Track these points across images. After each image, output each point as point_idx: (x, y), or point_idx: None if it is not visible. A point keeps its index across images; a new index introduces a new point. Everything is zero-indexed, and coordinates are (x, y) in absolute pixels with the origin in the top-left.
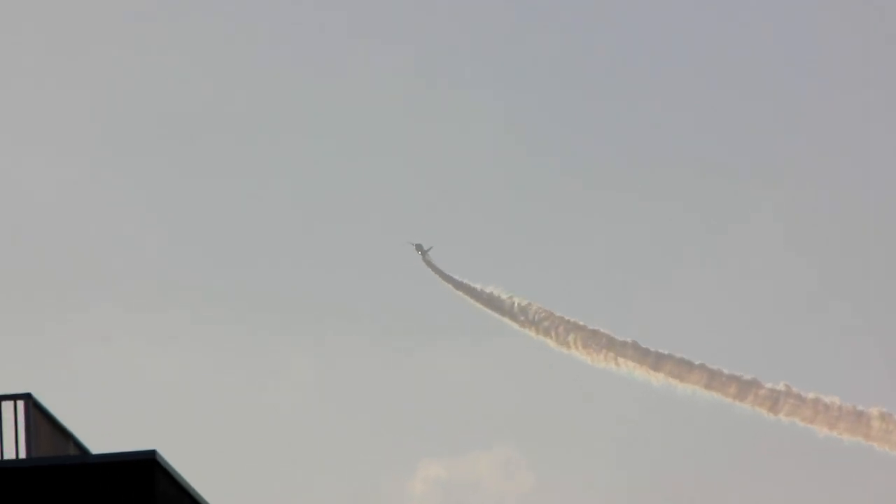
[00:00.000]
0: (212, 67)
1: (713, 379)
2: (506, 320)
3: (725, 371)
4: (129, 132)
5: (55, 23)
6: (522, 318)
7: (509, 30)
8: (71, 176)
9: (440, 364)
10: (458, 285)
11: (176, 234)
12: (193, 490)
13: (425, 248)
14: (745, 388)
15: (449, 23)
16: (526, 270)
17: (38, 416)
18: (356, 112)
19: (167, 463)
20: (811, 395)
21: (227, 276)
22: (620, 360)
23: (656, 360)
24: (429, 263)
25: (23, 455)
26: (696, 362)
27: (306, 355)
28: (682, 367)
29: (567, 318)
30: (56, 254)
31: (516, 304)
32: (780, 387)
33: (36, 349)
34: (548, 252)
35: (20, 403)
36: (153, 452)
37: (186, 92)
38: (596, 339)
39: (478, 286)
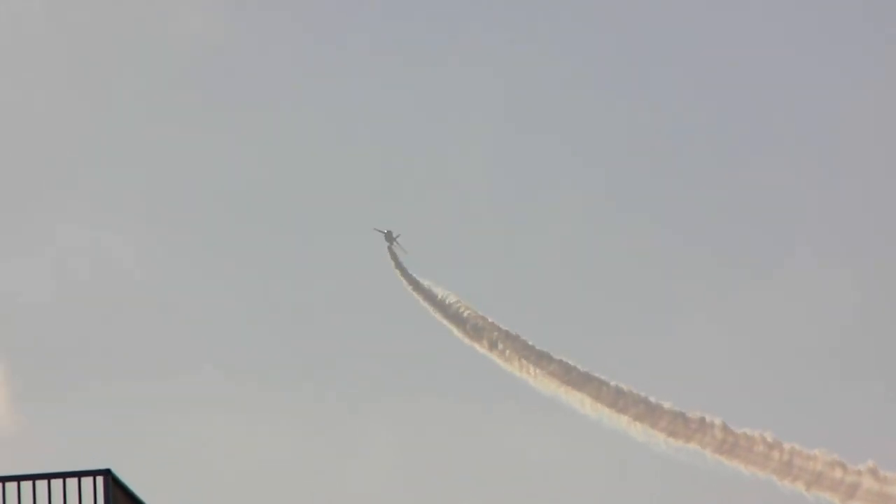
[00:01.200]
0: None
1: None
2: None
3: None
4: (206, 211)
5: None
6: (471, 330)
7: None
8: (150, 248)
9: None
10: (417, 287)
11: (252, 309)
12: None
13: (394, 235)
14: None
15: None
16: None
17: (117, 492)
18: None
19: None
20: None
21: (303, 350)
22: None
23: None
24: (392, 253)
25: None
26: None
27: (385, 428)
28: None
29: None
30: (134, 328)
31: (466, 313)
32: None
33: (114, 424)
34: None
35: (99, 479)
36: None
37: (263, 174)
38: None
39: (438, 292)
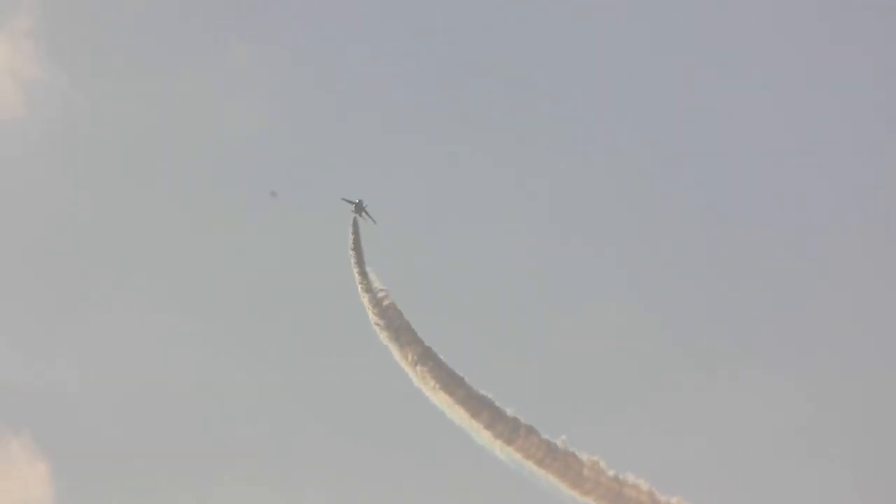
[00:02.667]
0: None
1: None
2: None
3: None
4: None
5: None
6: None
7: None
8: (192, 351)
9: None
10: (367, 288)
11: (291, 409)
12: None
13: (364, 205)
14: None
15: None
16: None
17: None
18: None
19: None
20: None
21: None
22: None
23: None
24: (355, 223)
25: None
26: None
27: None
28: None
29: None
30: (179, 431)
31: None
32: None
33: None
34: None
35: None
36: None
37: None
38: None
39: (382, 293)
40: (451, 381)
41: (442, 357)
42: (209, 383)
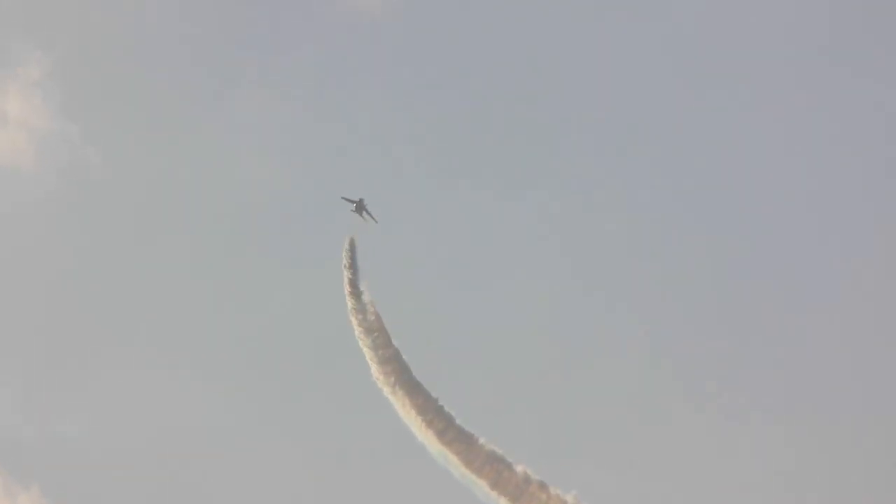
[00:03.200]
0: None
1: None
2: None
3: None
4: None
5: None
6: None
7: None
8: (199, 405)
9: None
10: (354, 293)
11: (294, 463)
12: None
13: (365, 204)
14: None
15: None
16: None
17: None
18: None
19: None
20: None
21: None
22: None
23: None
24: (354, 212)
25: None
26: None
27: None
28: None
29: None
30: (185, 485)
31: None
32: None
33: None
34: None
35: None
36: None
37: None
38: None
39: (369, 303)
40: (456, 437)
41: (446, 408)
42: (214, 437)
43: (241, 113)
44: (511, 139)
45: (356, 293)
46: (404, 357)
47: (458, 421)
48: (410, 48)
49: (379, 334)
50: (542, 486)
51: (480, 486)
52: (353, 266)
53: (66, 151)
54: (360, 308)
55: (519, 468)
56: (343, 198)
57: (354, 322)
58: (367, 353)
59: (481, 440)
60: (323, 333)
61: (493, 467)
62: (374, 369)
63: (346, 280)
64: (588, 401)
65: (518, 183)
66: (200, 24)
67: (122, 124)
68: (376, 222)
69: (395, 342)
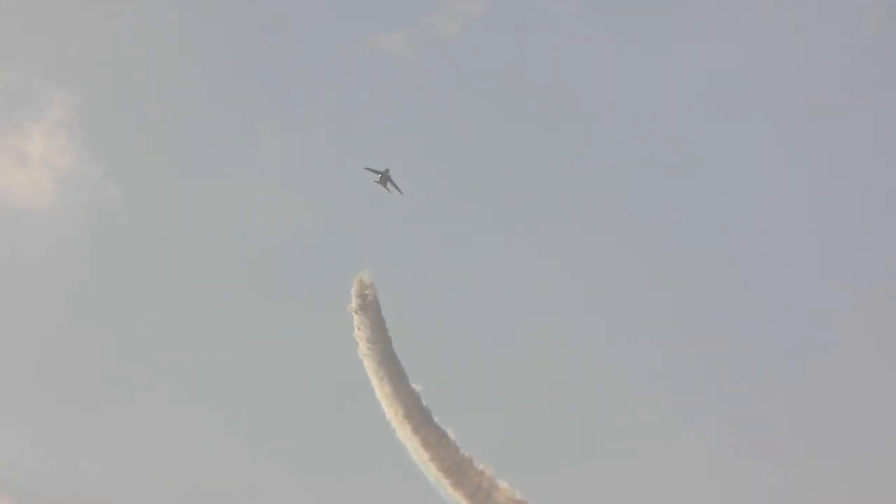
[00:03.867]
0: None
1: None
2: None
3: None
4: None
5: None
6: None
7: None
8: (218, 446)
9: None
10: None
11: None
12: None
13: (390, 174)
14: None
15: None
16: None
17: None
18: None
19: None
20: None
21: None
22: None
23: None
24: (378, 184)
25: None
26: None
27: None
28: None
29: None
30: None
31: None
32: None
33: None
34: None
35: None
36: None
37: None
38: None
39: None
40: (474, 482)
41: (463, 450)
42: (233, 478)
43: (265, 152)
44: (532, 180)
45: (368, 336)
46: (423, 401)
47: (476, 463)
48: (433, 87)
49: (393, 373)
50: None
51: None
52: (367, 308)
53: (89, 191)
54: (377, 350)
55: None
56: (367, 168)
57: (367, 365)
58: (384, 399)
59: (502, 485)
60: (345, 375)
61: None
62: (389, 413)
63: (360, 323)
64: (608, 445)
65: (539, 224)
66: (223, 64)
67: (145, 164)
68: (402, 194)
69: (413, 384)
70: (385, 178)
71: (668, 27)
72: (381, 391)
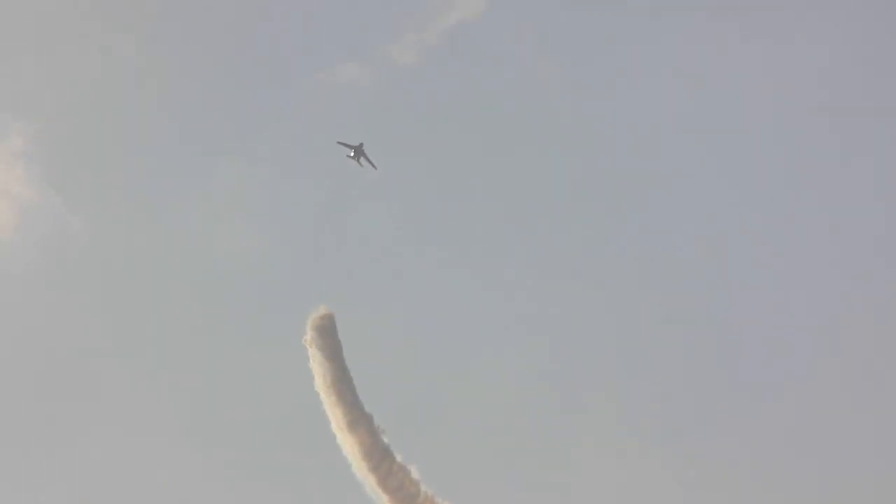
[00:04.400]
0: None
1: None
2: None
3: None
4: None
5: None
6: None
7: None
8: (185, 480)
9: None
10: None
11: None
12: None
13: (363, 148)
14: None
15: None
16: None
17: None
18: None
19: None
20: None
21: None
22: None
23: None
24: (352, 159)
25: None
26: None
27: None
28: None
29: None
30: None
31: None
32: None
33: None
34: None
35: None
36: None
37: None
38: None
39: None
40: None
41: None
42: None
43: (224, 183)
44: (491, 211)
45: (325, 368)
46: (382, 435)
47: (438, 500)
48: (392, 117)
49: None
50: None
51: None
52: (324, 340)
53: (49, 222)
54: (334, 382)
55: None
56: (339, 142)
57: (324, 398)
58: (340, 433)
59: None
60: (301, 408)
61: None
62: (346, 447)
63: (317, 358)
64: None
65: (500, 257)
66: (181, 94)
67: (105, 195)
68: (376, 169)
69: (371, 416)
70: (359, 152)
71: (624, 59)
72: (337, 425)
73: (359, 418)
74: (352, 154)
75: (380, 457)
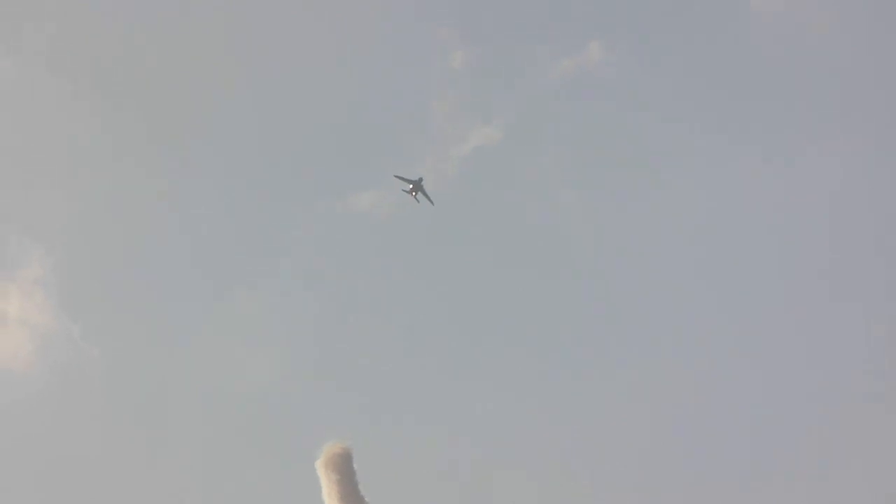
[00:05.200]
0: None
1: None
2: None
3: None
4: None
5: None
6: None
7: None
8: None
9: None
10: None
11: None
12: None
13: (422, 183)
14: None
15: None
16: None
17: None
18: None
19: None
20: None
21: None
22: None
23: None
24: (407, 193)
25: None
26: None
27: None
28: None
29: None
30: None
31: None
32: None
33: None
34: None
35: None
36: None
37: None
38: None
39: None
40: None
41: None
42: None
43: (241, 311)
44: (506, 335)
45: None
46: None
47: None
48: (406, 247)
49: None
50: None
51: None
52: (339, 471)
53: (66, 350)
54: None
55: None
56: (397, 176)
57: None
58: None
59: None
60: None
61: None
62: None
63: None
64: None
65: (518, 377)
66: (198, 224)
67: (121, 323)
68: (433, 204)
69: None
70: (417, 186)
71: (641, 180)
72: None
73: None
74: (410, 188)
75: None
